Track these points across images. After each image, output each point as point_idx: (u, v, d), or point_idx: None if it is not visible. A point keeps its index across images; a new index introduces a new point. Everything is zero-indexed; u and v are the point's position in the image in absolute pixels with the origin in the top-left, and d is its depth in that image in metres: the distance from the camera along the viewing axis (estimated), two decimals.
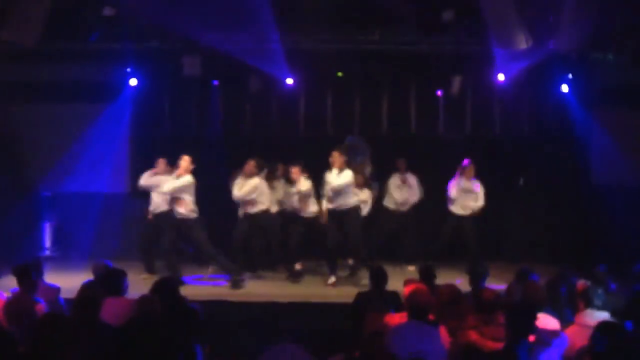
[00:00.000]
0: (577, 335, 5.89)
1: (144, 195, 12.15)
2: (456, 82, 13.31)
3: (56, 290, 7.76)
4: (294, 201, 12.05)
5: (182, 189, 11.15)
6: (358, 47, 12.53)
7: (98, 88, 13.33)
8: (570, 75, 13.24)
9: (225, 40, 11.83)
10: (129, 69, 13.41)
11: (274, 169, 12.38)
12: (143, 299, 6.22)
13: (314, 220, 11.91)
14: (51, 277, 8.54)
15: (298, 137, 14.00)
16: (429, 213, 13.07)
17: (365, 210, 12.17)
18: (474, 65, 12.66)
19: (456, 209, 12.54)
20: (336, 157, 11.29)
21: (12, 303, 7.02)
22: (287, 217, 12.30)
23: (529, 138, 14.02)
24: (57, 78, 13.23)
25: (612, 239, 12.43)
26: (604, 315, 6.14)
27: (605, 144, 13.10)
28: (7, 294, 7.39)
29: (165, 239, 11.30)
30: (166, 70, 13.34)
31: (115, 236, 13.08)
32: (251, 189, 11.45)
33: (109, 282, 6.99)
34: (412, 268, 11.86)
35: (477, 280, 7.83)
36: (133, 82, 13.49)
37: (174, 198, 11.19)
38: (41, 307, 6.91)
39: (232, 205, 11.78)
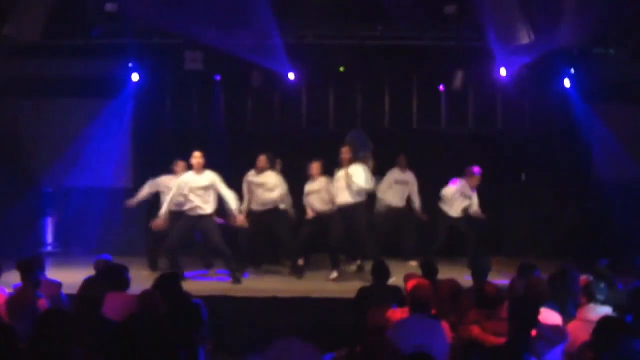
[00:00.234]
0: (580, 330, 5.89)
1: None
2: (458, 77, 13.29)
3: (58, 285, 7.78)
4: (310, 198, 12.00)
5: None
6: (360, 42, 12.53)
7: (100, 83, 13.32)
8: (572, 70, 13.22)
9: (227, 36, 11.82)
10: (131, 64, 13.40)
11: (273, 164, 12.36)
12: (145, 295, 6.22)
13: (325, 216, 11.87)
14: (53, 273, 8.58)
15: (300, 132, 14.00)
16: (430, 209, 13.02)
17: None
18: (476, 60, 12.65)
19: (451, 210, 12.50)
20: (346, 152, 11.32)
21: (15, 298, 7.03)
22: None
23: (531, 133, 13.98)
24: (59, 74, 13.22)
25: (614, 233, 12.43)
26: (606, 310, 6.14)
27: (608, 138, 13.07)
28: (9, 290, 7.41)
29: (173, 236, 11.21)
30: (168, 66, 13.35)
31: (118, 232, 13.07)
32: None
33: (110, 278, 6.99)
34: (414, 263, 11.84)
35: (479, 275, 7.83)
36: (135, 77, 13.47)
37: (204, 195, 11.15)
38: (43, 302, 6.92)
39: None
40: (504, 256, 12.41)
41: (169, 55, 12.90)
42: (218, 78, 13.83)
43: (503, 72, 12.76)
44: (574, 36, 11.16)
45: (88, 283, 6.32)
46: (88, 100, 13.52)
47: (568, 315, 6.45)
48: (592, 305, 6.30)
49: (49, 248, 13.64)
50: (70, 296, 7.47)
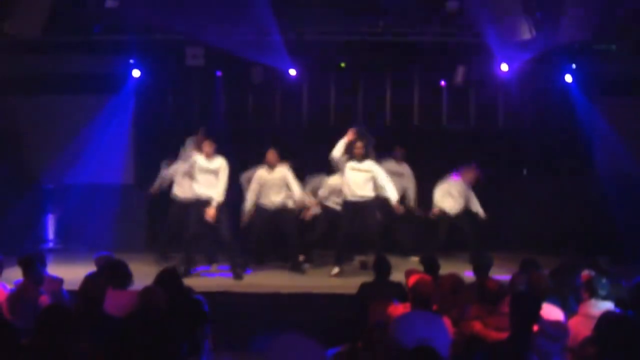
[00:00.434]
0: (581, 326, 5.89)
1: (147, 186, 12.19)
2: (459, 73, 13.28)
3: (59, 282, 7.78)
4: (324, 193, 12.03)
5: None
6: (361, 37, 12.51)
7: (101, 80, 13.33)
8: (573, 66, 13.22)
9: (228, 32, 11.82)
10: (132, 61, 13.42)
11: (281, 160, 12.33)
12: (146, 291, 6.22)
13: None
14: (54, 269, 8.56)
15: (301, 128, 13.99)
16: (431, 205, 12.96)
17: None
18: (477, 56, 12.63)
19: (449, 206, 12.46)
20: (360, 147, 11.31)
21: (16, 295, 7.04)
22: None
23: (532, 128, 13.98)
24: (60, 70, 13.23)
25: (615, 229, 12.42)
26: (607, 306, 6.14)
27: (609, 134, 13.07)
28: (10, 286, 7.41)
29: (190, 229, 11.25)
30: (169, 62, 13.35)
31: (119, 228, 13.06)
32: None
33: (111, 274, 6.99)
34: (416, 259, 11.82)
35: (481, 270, 7.83)
36: (136, 73, 13.48)
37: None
38: (45, 298, 6.92)
39: (235, 195, 11.75)
40: (504, 251, 12.37)
41: (169, 51, 12.90)
42: (219, 74, 13.83)
43: (504, 67, 12.74)
44: (575, 31, 11.14)
45: (89, 279, 6.32)
46: (89, 96, 13.51)
47: (569, 310, 6.46)
48: (593, 301, 6.31)
49: (50, 244, 13.63)
50: (71, 292, 7.47)
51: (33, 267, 7.24)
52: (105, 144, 13.45)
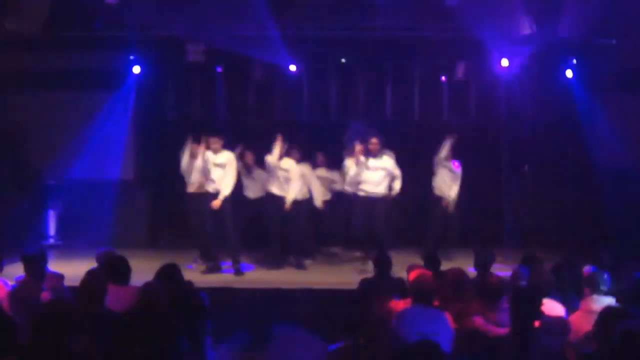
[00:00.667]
0: (583, 321, 5.89)
1: (148, 182, 12.17)
2: (460, 68, 13.27)
3: (60, 278, 7.77)
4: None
5: None
6: (362, 33, 12.50)
7: (102, 76, 13.31)
8: (574, 61, 13.20)
9: (229, 28, 11.81)
10: (132, 57, 13.40)
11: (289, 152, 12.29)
12: (147, 286, 6.21)
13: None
14: (55, 265, 8.55)
15: (301, 123, 13.98)
16: (429, 199, 12.92)
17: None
18: (478, 51, 12.62)
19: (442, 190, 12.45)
20: (375, 143, 11.29)
21: (18, 291, 7.03)
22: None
23: (533, 123, 13.96)
24: (60, 66, 13.22)
25: (616, 224, 12.42)
26: (609, 301, 6.13)
27: (610, 129, 13.05)
28: (11, 282, 7.41)
29: (207, 222, 11.21)
30: (170, 58, 13.35)
31: (120, 224, 13.07)
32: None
33: (112, 270, 6.99)
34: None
35: (482, 266, 7.82)
36: (136, 69, 13.47)
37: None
38: (46, 295, 6.92)
39: (235, 191, 11.71)
40: (505, 247, 12.37)
41: (170, 47, 12.90)
42: (219, 70, 13.82)
43: (505, 62, 12.73)
44: (575, 26, 11.13)
45: (90, 275, 6.31)
46: (90, 92, 13.52)
47: (571, 305, 6.45)
48: (595, 296, 6.30)
49: (51, 240, 13.62)
50: (72, 288, 7.47)
51: (36, 263, 7.24)
52: (106, 140, 13.46)
